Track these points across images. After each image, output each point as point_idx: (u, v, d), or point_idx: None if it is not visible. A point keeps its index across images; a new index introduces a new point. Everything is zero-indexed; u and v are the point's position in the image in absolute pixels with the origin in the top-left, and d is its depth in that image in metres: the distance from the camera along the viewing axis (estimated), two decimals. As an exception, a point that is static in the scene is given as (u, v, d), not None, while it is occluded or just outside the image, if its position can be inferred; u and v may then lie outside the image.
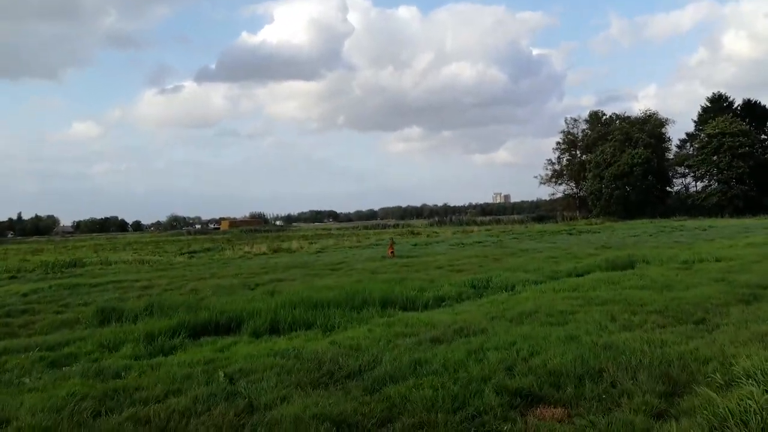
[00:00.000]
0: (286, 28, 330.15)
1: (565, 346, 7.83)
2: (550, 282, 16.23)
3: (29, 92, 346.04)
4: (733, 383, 5.99)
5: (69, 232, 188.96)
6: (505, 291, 14.89)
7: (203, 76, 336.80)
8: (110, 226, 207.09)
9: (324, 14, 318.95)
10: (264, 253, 39.17)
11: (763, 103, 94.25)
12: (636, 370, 6.71)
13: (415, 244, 40.78)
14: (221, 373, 7.39)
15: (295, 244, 46.98)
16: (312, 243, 50.38)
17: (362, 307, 12.37)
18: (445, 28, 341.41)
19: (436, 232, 65.09)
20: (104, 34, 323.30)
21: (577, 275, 17.86)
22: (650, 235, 40.12)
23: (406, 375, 7.06)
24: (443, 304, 13.42)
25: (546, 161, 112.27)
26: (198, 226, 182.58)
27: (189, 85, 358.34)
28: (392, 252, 30.67)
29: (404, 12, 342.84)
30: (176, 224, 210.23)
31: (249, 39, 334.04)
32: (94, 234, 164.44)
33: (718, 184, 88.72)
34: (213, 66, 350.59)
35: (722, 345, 7.63)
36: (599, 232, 48.03)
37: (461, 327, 9.58)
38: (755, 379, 5.75)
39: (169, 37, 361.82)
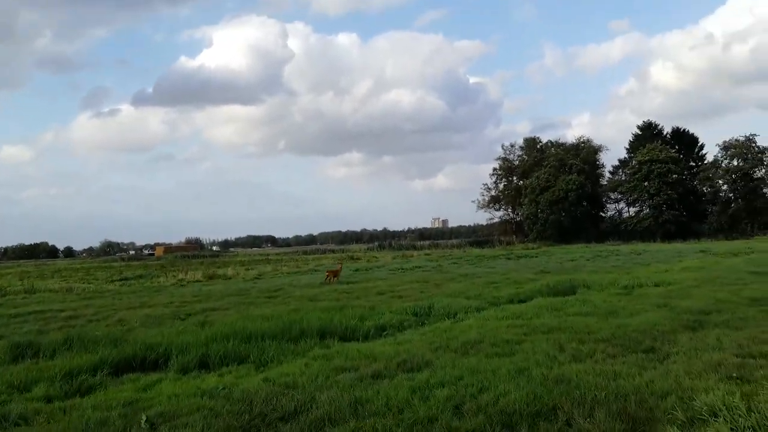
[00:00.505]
0: (226, 53, 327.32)
1: (515, 381, 7.38)
2: (492, 309, 15.90)
3: None
4: (695, 420, 5.64)
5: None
6: (448, 318, 14.43)
7: (140, 99, 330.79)
8: (40, 252, 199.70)
9: (264, 39, 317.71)
10: (198, 281, 37.85)
11: (690, 131, 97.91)
12: (592, 407, 6.30)
13: (356, 270, 40.16)
14: (143, 417, 6.65)
15: (231, 271, 45.80)
16: (249, 269, 49.19)
17: (299, 339, 11.70)
18: (384, 56, 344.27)
19: (375, 257, 64.57)
20: (38, 55, 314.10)
21: (519, 301, 17.61)
22: (587, 260, 40.52)
23: (346, 417, 6.48)
24: (384, 333, 12.87)
25: (482, 186, 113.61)
26: (132, 252, 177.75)
27: (126, 109, 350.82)
28: (335, 276, 29.93)
29: (344, 39, 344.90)
30: (109, 250, 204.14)
31: (187, 63, 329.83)
32: (21, 261, 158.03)
33: (650, 209, 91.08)
34: (150, 89, 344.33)
35: (677, 377, 7.31)
36: (537, 257, 48.37)
37: (404, 359, 9.05)
38: (720, 416, 5.38)
39: (106, 59, 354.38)
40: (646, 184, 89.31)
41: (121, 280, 43.32)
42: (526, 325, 11.94)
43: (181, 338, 11.22)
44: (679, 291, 17.39)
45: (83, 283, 40.92)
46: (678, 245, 63.26)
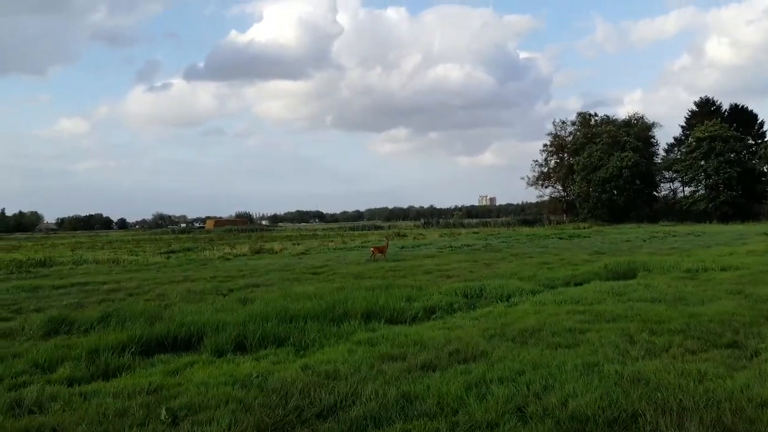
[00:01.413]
0: (275, 28, 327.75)
1: (584, 379, 6.50)
2: (547, 292, 14.94)
3: (15, 88, 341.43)
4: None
5: (52, 230, 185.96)
6: (501, 301, 13.55)
7: (192, 74, 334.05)
8: (94, 223, 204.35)
9: (313, 14, 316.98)
10: (244, 254, 37.61)
11: (750, 108, 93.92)
12: (680, 415, 5.40)
13: (402, 247, 39.39)
14: (163, 410, 5.98)
15: (277, 245, 45.45)
16: (296, 244, 48.87)
17: (343, 320, 10.98)
18: (433, 30, 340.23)
19: (422, 234, 63.72)
20: (93, 29, 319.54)
21: (576, 284, 16.63)
22: (643, 241, 38.98)
23: (392, 416, 5.71)
24: (433, 316, 12.05)
25: (533, 162, 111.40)
26: (183, 225, 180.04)
27: (178, 83, 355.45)
28: (382, 252, 29.19)
29: (393, 13, 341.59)
30: (161, 223, 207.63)
31: (238, 37, 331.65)
32: (77, 231, 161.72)
33: (706, 189, 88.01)
34: (202, 64, 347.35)
35: (775, 380, 6.34)
36: (589, 237, 46.87)
37: (456, 348, 8.23)
38: None
39: (158, 33, 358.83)
40: (703, 163, 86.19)
41: (168, 252, 43.45)
42: (588, 312, 10.98)
43: (219, 316, 10.58)
44: (751, 277, 16.14)
45: (131, 255, 41.15)
46: (738, 227, 60.77)
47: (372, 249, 29.94)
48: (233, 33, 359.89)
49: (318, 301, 12.28)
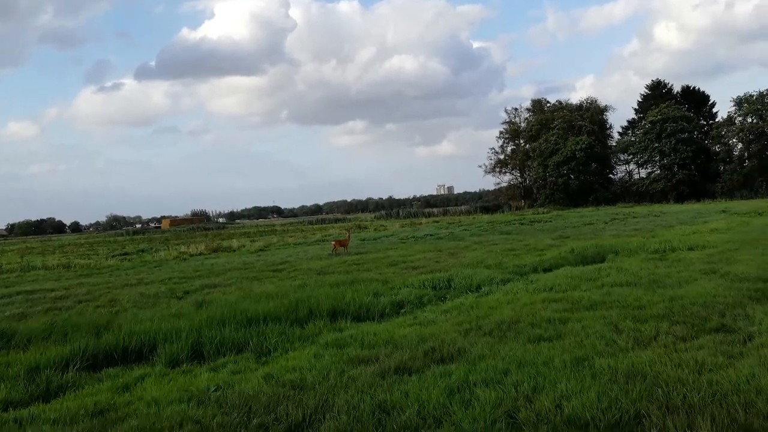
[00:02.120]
0: (227, 24, 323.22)
1: (576, 376, 5.94)
2: (518, 279, 14.48)
3: None
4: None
5: (2, 235, 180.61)
6: (471, 292, 13.03)
7: (143, 73, 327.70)
8: (46, 227, 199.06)
9: (266, 9, 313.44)
10: (201, 254, 36.55)
11: (701, 89, 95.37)
12: (688, 414, 4.86)
13: (363, 239, 38.71)
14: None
15: (235, 243, 44.36)
16: (254, 241, 47.79)
17: (307, 320, 10.29)
18: (386, 22, 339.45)
19: (383, 226, 63.11)
20: (41, 31, 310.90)
21: (545, 270, 16.24)
22: (605, 223, 39.04)
23: (368, 430, 5.07)
24: (402, 311, 11.45)
25: (490, 150, 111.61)
26: (138, 226, 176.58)
27: (129, 83, 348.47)
28: (344, 246, 28.49)
29: (345, 6, 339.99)
30: (116, 224, 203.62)
31: (189, 35, 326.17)
32: (28, 237, 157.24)
33: (662, 170, 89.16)
34: (153, 63, 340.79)
35: (780, 366, 5.86)
36: (551, 221, 46.88)
37: (432, 347, 7.61)
38: None
39: (108, 33, 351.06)
40: (657, 144, 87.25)
41: (121, 255, 42.20)
42: (564, 300, 10.47)
43: (173, 323, 9.76)
44: (721, 255, 15.90)
45: (83, 258, 39.70)
46: (695, 206, 61.64)
47: (333, 243, 29.16)
48: (185, 30, 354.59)
49: (280, 301, 11.55)
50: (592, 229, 33.56)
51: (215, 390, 6.53)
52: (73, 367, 8.03)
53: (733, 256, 15.42)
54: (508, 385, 5.84)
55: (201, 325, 9.54)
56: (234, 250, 38.14)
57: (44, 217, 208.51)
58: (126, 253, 43.57)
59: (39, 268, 31.95)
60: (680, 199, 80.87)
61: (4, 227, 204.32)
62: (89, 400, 6.58)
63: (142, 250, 45.89)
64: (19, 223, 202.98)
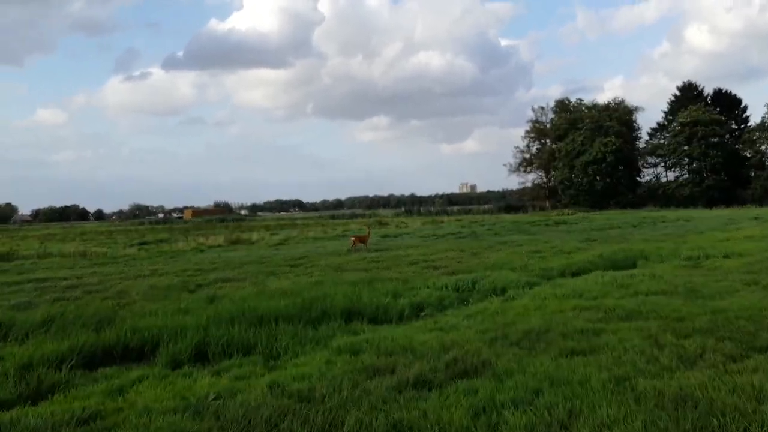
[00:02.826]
0: (256, 16, 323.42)
1: (617, 399, 5.25)
2: (545, 283, 13.75)
3: None
4: None
5: (27, 221, 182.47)
6: (495, 296, 12.33)
7: (171, 63, 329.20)
8: (70, 214, 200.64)
9: (294, 2, 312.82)
10: (219, 246, 36.16)
11: (733, 93, 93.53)
12: (753, 455, 4.19)
13: (384, 236, 38.11)
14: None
15: (255, 235, 44.06)
16: (274, 234, 47.44)
17: (321, 321, 9.68)
18: (414, 17, 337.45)
19: (404, 222, 62.46)
20: (71, 19, 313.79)
21: (573, 274, 15.51)
22: (633, 227, 38.07)
23: (380, 457, 4.45)
24: (422, 314, 10.81)
25: (515, 149, 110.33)
26: (161, 215, 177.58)
27: (156, 72, 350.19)
28: (363, 242, 27.89)
29: (374, 0, 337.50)
30: (139, 213, 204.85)
31: (217, 26, 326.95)
32: (52, 223, 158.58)
33: (690, 174, 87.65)
34: (181, 53, 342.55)
35: None
36: (577, 223, 45.87)
37: (454, 357, 6.96)
38: None
39: (137, 22, 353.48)
40: (687, 147, 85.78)
41: (140, 244, 41.98)
42: (596, 308, 9.75)
43: (178, 320, 9.19)
44: (760, 265, 15.03)
45: (101, 247, 39.57)
46: (725, 211, 60.11)
47: (352, 239, 28.53)
48: (213, 21, 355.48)
49: (294, 299, 10.93)
50: (620, 233, 32.63)
51: (215, 398, 5.94)
52: (68, 365, 7.48)
53: (774, 266, 14.58)
54: (540, 407, 5.17)
55: (208, 322, 8.96)
56: (253, 243, 37.75)
57: (69, 204, 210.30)
58: (144, 243, 43.38)
59: (55, 255, 31.77)
60: (709, 204, 79.22)
61: (29, 213, 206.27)
62: (78, 404, 6.02)
63: (161, 240, 45.72)
64: (43, 209, 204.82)
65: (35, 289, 16.41)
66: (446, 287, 13.18)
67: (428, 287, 13.18)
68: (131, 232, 65.51)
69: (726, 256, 17.56)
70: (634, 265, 16.80)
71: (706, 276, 13.44)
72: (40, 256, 31.38)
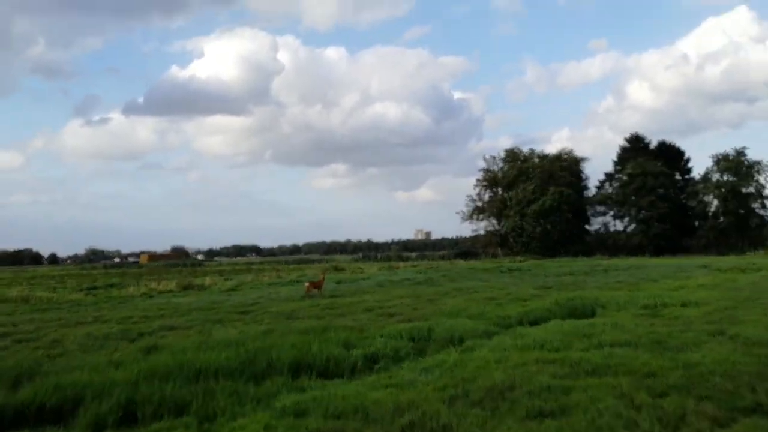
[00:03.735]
0: (217, 64, 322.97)
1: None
2: (504, 333, 13.17)
3: None
4: None
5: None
6: (453, 346, 11.70)
7: (131, 108, 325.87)
8: (23, 258, 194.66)
9: (254, 52, 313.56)
10: (170, 291, 34.94)
11: (677, 145, 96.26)
12: None
13: (339, 282, 37.32)
14: None
15: (208, 280, 42.84)
16: (227, 279, 46.24)
17: (266, 375, 8.90)
18: (371, 70, 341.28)
19: (361, 268, 61.68)
20: (32, 62, 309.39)
21: (532, 323, 14.94)
22: (586, 274, 37.99)
23: None
24: (376, 366, 10.09)
25: (467, 197, 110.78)
26: (117, 260, 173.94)
27: (116, 117, 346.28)
28: (318, 288, 27.08)
29: (332, 53, 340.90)
30: (94, 257, 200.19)
31: (178, 73, 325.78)
32: (4, 267, 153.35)
33: (638, 223, 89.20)
34: (141, 99, 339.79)
35: None
36: (530, 270, 45.79)
37: (410, 421, 6.28)
38: None
39: (98, 67, 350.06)
40: (634, 198, 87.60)
41: (89, 289, 40.48)
42: (561, 361, 9.17)
43: (107, 374, 8.31)
44: (720, 314, 14.77)
45: (49, 291, 37.97)
46: (673, 260, 60.88)
47: (306, 284, 27.62)
48: (174, 68, 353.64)
49: (236, 350, 10.11)
50: (574, 280, 32.44)
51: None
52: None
53: (734, 316, 14.28)
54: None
55: (140, 378, 8.09)
56: (205, 288, 36.68)
57: (22, 248, 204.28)
58: (94, 287, 41.91)
59: (-3, 299, 30.23)
60: (657, 252, 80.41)
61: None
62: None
63: (111, 285, 44.32)
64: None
65: (-40, 338, 15.25)
66: (401, 336, 12.50)
67: (383, 336, 12.47)
68: (83, 277, 63.56)
69: (684, 305, 17.28)
70: (592, 313, 16.40)
71: (668, 326, 13.03)
72: (-23, 301, 29.84)
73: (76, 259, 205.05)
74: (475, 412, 6.60)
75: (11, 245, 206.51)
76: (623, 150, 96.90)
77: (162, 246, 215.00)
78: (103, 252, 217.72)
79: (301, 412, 6.93)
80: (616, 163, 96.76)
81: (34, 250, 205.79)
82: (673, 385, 7.46)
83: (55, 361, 10.42)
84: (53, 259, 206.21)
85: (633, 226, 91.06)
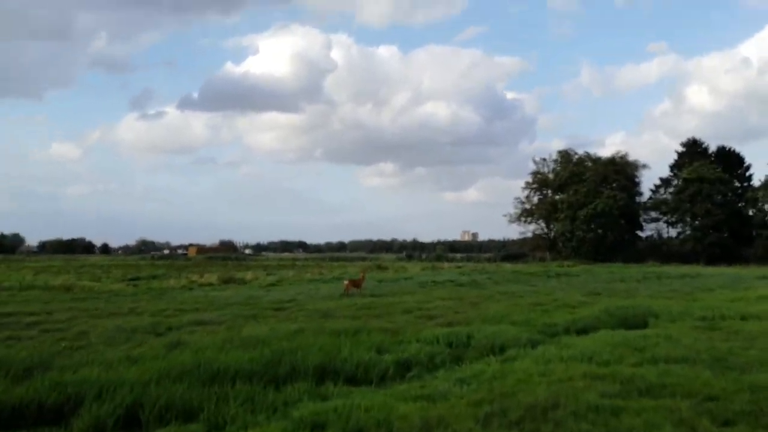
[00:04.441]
0: (271, 61, 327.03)
1: None
2: (549, 342, 12.31)
3: (12, 111, 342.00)
4: None
5: (34, 252, 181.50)
6: (493, 355, 10.93)
7: (186, 103, 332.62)
8: (76, 247, 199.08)
9: (308, 49, 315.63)
10: (210, 284, 34.87)
11: (737, 151, 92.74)
12: None
13: (381, 281, 36.67)
14: None
15: (249, 275, 42.68)
16: (269, 274, 46.14)
17: (288, 379, 8.27)
18: (423, 69, 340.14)
19: (404, 267, 61.00)
20: (92, 56, 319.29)
21: (579, 332, 14.05)
22: (638, 281, 36.54)
23: None
24: (409, 374, 9.36)
25: (515, 199, 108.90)
26: (166, 251, 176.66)
27: (171, 112, 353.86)
28: (357, 287, 26.48)
29: (384, 51, 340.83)
30: (144, 248, 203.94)
31: (233, 69, 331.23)
32: (57, 255, 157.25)
33: (693, 231, 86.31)
34: (195, 94, 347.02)
35: None
36: (578, 276, 44.38)
37: (439, 441, 5.57)
38: None
39: (155, 62, 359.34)
40: (688, 204, 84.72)
41: (131, 279, 40.83)
42: (611, 377, 8.30)
43: (116, 372, 7.76)
44: (787, 330, 13.64)
45: (93, 281, 38.38)
46: (728, 269, 58.54)
47: (346, 282, 27.01)
48: (229, 64, 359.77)
49: (261, 351, 9.48)
50: (625, 287, 31.13)
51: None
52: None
53: (803, 333, 13.14)
54: None
55: (152, 377, 7.52)
56: (245, 283, 36.53)
57: (76, 237, 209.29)
58: (137, 278, 42.43)
59: (39, 288, 30.48)
60: (711, 261, 77.57)
61: (35, 244, 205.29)
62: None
63: (154, 276, 44.84)
64: (50, 241, 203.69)
65: (-5, 326, 15.05)
66: (439, 341, 11.76)
67: (418, 341, 11.75)
68: (129, 267, 64.53)
69: (743, 318, 16.14)
70: (645, 324, 15.38)
71: (728, 341, 12.00)
72: (22, 288, 30.14)
73: (126, 250, 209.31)
74: (511, 435, 5.84)
75: (66, 234, 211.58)
76: (680, 155, 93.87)
77: (211, 239, 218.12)
78: (153, 243, 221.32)
79: (319, 425, 6.27)
80: (672, 168, 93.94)
81: (87, 239, 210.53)
82: (740, 412, 6.57)
83: (73, 355, 9.96)
84: (105, 249, 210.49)
85: (687, 233, 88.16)
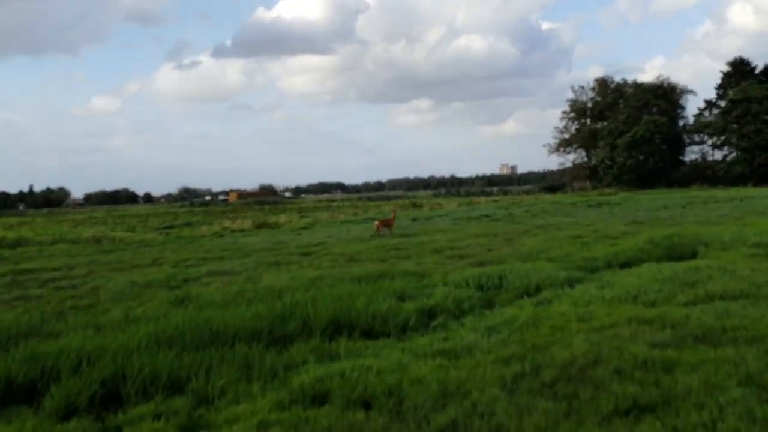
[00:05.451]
0: (302, 4, 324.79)
1: None
2: (589, 280, 11.26)
3: (50, 68, 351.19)
4: None
5: (80, 204, 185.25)
6: (528, 296, 9.99)
7: (219, 51, 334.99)
8: (120, 198, 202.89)
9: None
10: (243, 230, 34.38)
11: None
12: None
13: (414, 219, 35.71)
14: None
15: (283, 218, 42.28)
16: (303, 216, 45.71)
17: (295, 337, 7.44)
18: (456, 3, 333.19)
19: (440, 204, 59.93)
20: (125, 10, 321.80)
21: (622, 266, 12.92)
22: (683, 207, 34.93)
23: None
24: (433, 323, 8.47)
25: (554, 129, 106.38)
26: (208, 198, 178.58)
27: (206, 60, 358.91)
28: (388, 226, 25.55)
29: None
30: (186, 196, 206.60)
31: (264, 14, 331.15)
32: (102, 206, 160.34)
33: (741, 152, 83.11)
34: (229, 42, 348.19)
35: None
36: (620, 204, 42.80)
37: (453, 420, 4.63)
38: None
39: (188, 13, 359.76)
40: (736, 125, 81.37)
41: (165, 228, 40.78)
42: (660, 321, 7.25)
43: (92, 342, 6.80)
44: None
45: (127, 231, 38.34)
46: (780, 191, 56.22)
47: (376, 223, 26.05)
48: (260, 10, 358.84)
49: (273, 305, 8.63)
50: (670, 214, 29.68)
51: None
52: None
53: None
54: None
55: (139, 344, 6.70)
56: (279, 227, 35.94)
57: (119, 188, 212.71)
58: (171, 226, 42.61)
59: (68, 241, 30.27)
60: (762, 182, 74.82)
61: (81, 197, 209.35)
62: None
63: (189, 224, 44.90)
64: (95, 193, 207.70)
65: (9, 284, 14.56)
66: (468, 284, 10.82)
67: (446, 284, 10.83)
68: (167, 215, 65.42)
69: (807, 244, 14.83)
70: (694, 254, 14.18)
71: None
72: (53, 242, 29.95)
73: (169, 198, 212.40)
74: (542, 405, 4.86)
75: (109, 186, 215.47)
76: (726, 75, 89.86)
77: (252, 184, 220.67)
78: (195, 191, 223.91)
79: (320, 395, 5.39)
80: (717, 88, 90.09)
81: (131, 190, 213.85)
82: (820, 361, 5.51)
83: (70, 317, 9.26)
84: (148, 199, 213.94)
85: (734, 155, 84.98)
